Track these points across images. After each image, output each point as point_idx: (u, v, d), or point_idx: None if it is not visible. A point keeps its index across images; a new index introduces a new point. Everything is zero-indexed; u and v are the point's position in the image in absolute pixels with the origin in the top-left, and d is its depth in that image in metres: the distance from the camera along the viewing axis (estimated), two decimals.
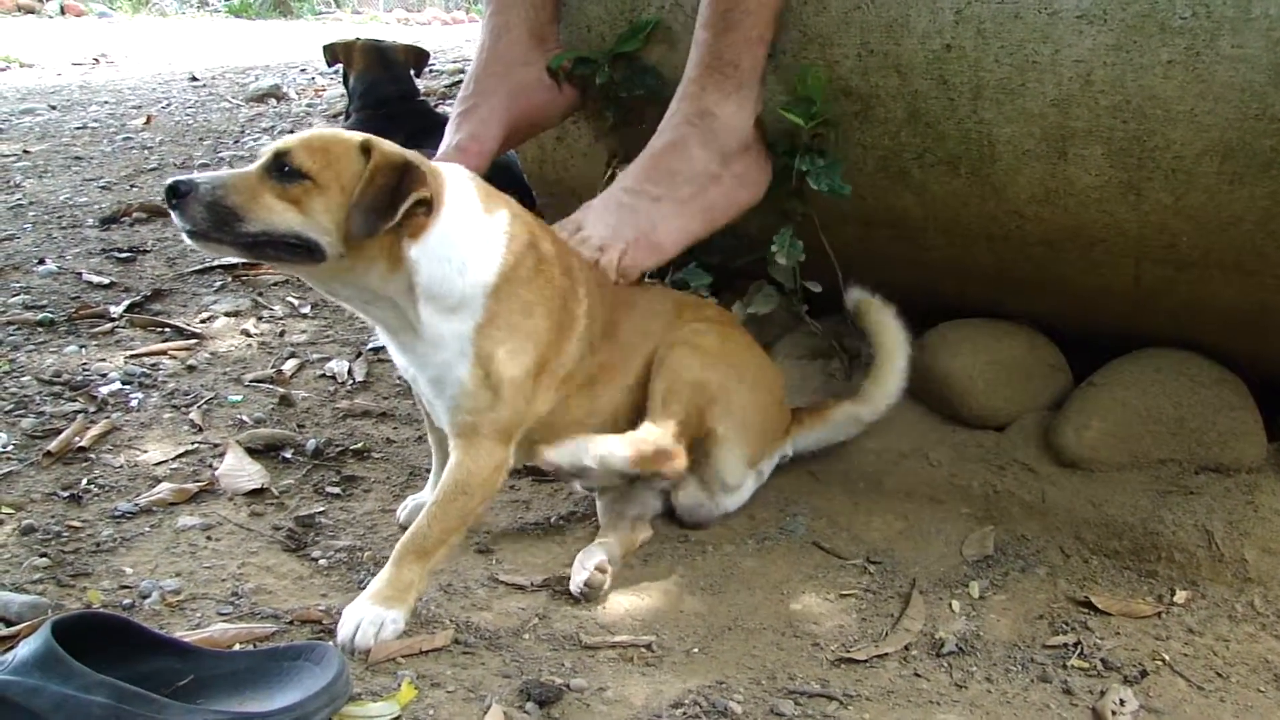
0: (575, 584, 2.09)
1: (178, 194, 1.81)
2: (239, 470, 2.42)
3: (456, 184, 2.01)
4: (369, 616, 1.87)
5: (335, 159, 1.87)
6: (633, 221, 2.39)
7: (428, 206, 1.91)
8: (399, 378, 2.96)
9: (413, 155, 1.95)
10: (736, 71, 2.42)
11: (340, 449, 2.60)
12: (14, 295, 3.23)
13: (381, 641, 1.85)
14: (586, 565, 2.10)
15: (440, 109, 4.49)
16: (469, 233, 1.99)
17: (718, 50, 2.41)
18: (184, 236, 1.86)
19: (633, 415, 2.22)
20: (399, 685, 1.73)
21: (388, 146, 1.92)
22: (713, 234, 2.56)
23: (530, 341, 2.02)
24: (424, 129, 3.52)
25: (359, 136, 1.93)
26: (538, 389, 2.06)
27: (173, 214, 1.84)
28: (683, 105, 2.48)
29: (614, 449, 2.08)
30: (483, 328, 1.97)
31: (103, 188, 4.40)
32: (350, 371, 2.96)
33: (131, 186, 4.45)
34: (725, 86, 2.44)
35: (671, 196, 2.43)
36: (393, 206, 1.85)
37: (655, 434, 2.14)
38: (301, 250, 1.86)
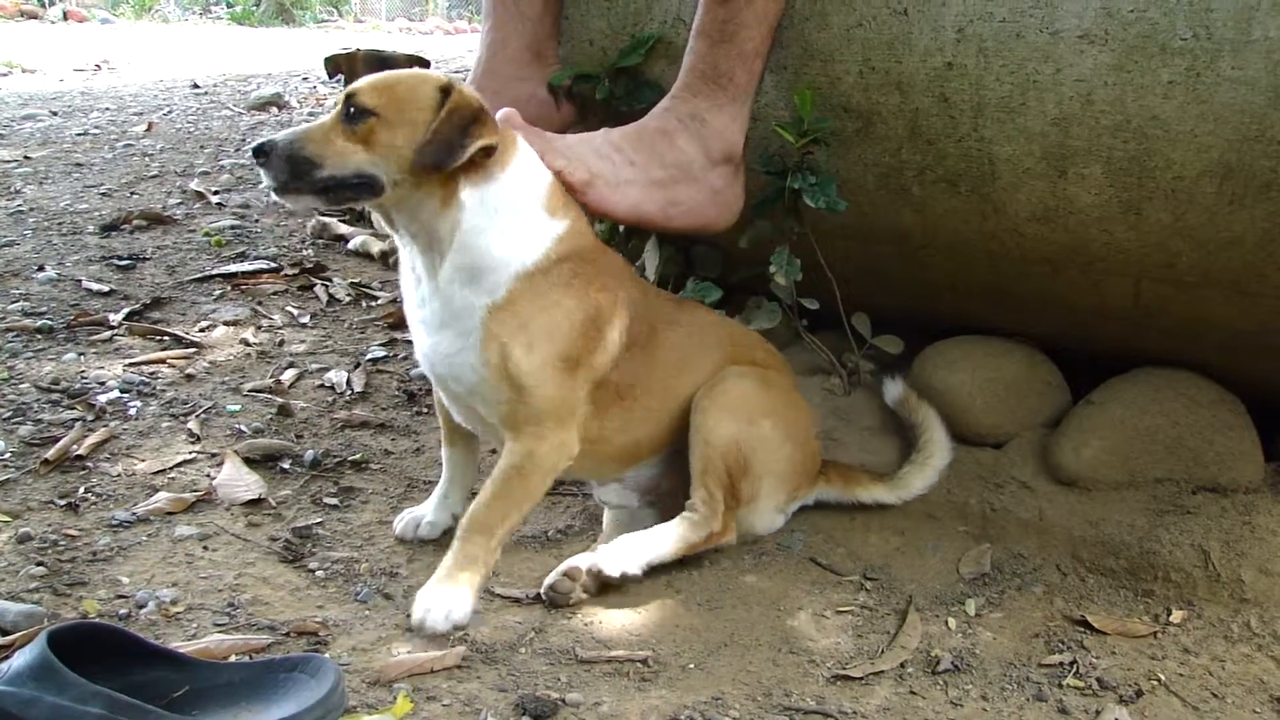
0: (543, 587, 2.11)
1: (263, 152, 1.91)
2: (237, 480, 2.42)
3: (531, 165, 2.09)
4: (439, 599, 1.96)
5: (400, 93, 1.96)
6: (602, 166, 2.34)
7: (489, 151, 1.97)
8: (397, 387, 2.96)
9: (487, 106, 2.01)
10: (731, 84, 2.41)
11: (338, 460, 2.59)
12: (13, 302, 3.23)
13: (453, 622, 1.95)
14: (560, 571, 2.12)
15: None
16: (525, 209, 2.05)
17: (713, 60, 2.40)
18: (272, 194, 1.98)
19: (675, 437, 2.27)
20: (394, 698, 1.73)
21: (468, 90, 1.99)
22: (682, 239, 2.55)
23: (548, 335, 2.03)
24: None
25: (438, 76, 2.01)
26: (575, 379, 2.08)
27: (261, 173, 1.94)
28: (676, 104, 2.45)
29: (663, 551, 2.19)
30: (497, 310, 2.00)
31: (103, 194, 4.40)
32: (349, 382, 2.96)
33: (132, 194, 4.45)
34: (719, 98, 2.43)
35: (645, 171, 2.39)
36: (461, 146, 1.92)
37: (704, 526, 2.22)
38: (364, 187, 1.95)
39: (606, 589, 2.15)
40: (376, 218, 2.11)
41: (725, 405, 2.24)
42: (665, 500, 2.34)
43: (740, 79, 2.41)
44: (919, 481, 2.47)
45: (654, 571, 2.24)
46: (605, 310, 2.12)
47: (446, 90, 1.96)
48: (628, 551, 2.16)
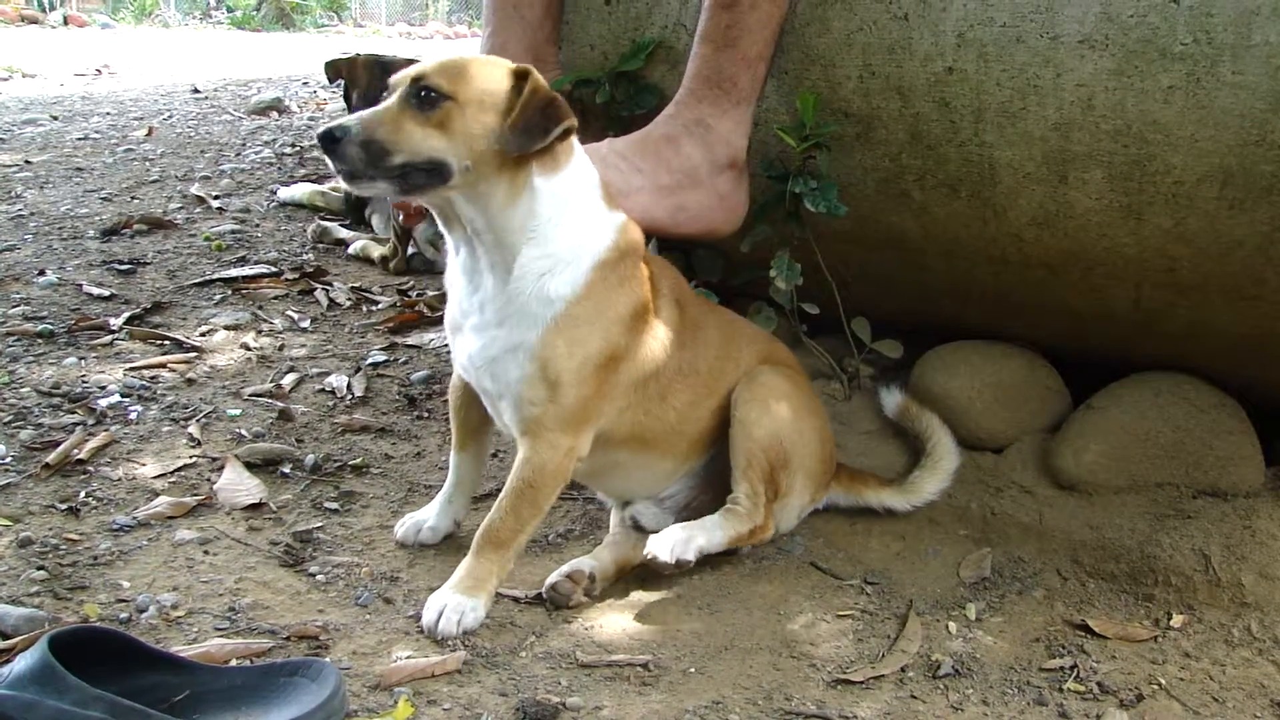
0: (545, 587, 2.12)
1: (333, 139, 1.86)
2: (237, 485, 2.42)
3: (585, 158, 2.09)
4: (452, 604, 1.98)
5: (474, 78, 1.93)
6: (610, 175, 2.34)
7: (569, 133, 1.96)
8: (397, 392, 2.96)
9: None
10: (735, 89, 2.42)
11: (339, 464, 2.59)
12: (14, 306, 3.23)
13: (464, 628, 1.96)
14: (562, 572, 2.12)
15: None
16: (589, 200, 2.05)
17: (717, 65, 2.41)
18: (340, 181, 1.95)
19: (720, 429, 2.27)
20: (395, 703, 1.73)
21: (540, 75, 1.98)
22: (685, 244, 2.54)
23: (598, 335, 2.03)
24: None
25: (508, 62, 2.00)
26: (608, 382, 2.07)
27: (329, 160, 1.89)
28: (681, 110, 2.47)
29: (714, 540, 2.18)
30: (576, 303, 1.99)
31: (104, 199, 4.41)
32: (349, 386, 2.96)
33: (132, 198, 4.45)
34: (723, 103, 2.43)
35: (652, 178, 2.41)
36: (545, 130, 1.91)
37: (748, 520, 2.22)
38: (434, 173, 1.91)
39: (605, 593, 2.16)
40: (437, 218, 2.08)
41: (765, 399, 2.26)
42: (694, 518, 2.31)
43: (744, 84, 2.42)
44: (930, 486, 2.46)
45: (654, 575, 2.24)
46: (656, 298, 2.15)
47: (523, 75, 1.95)
48: (681, 539, 2.15)
